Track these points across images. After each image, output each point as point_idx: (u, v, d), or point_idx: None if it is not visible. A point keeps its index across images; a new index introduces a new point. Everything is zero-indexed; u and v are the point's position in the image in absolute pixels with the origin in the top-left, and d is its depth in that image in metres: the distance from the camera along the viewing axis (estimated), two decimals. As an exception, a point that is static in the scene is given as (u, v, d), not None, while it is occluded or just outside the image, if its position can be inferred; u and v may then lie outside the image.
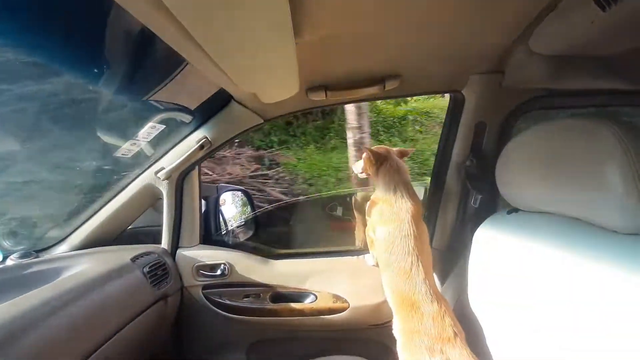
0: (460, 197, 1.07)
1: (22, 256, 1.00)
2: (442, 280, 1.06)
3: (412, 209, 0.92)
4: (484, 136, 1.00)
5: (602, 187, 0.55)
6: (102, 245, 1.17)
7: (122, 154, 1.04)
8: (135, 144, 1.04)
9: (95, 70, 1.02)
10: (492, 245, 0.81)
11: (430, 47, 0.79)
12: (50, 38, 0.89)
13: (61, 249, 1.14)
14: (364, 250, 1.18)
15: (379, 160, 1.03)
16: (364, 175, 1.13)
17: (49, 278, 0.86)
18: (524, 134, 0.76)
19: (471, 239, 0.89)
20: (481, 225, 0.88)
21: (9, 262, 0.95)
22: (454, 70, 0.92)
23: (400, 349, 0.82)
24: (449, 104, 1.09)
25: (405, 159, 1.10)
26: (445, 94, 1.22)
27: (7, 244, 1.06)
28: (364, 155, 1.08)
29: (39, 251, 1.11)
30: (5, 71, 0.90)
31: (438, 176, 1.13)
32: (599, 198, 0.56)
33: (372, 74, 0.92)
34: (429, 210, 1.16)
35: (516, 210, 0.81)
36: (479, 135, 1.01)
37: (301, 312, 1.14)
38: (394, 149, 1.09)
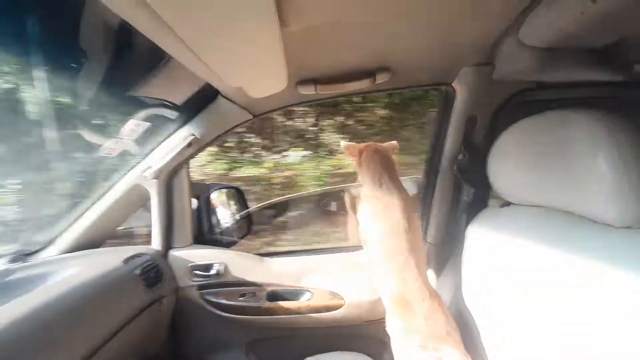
0: (453, 192, 1.07)
1: (10, 261, 0.98)
2: (437, 275, 1.06)
3: (402, 203, 0.89)
4: (476, 129, 1.00)
5: (593, 179, 0.55)
6: (92, 248, 1.14)
7: (107, 153, 1.01)
8: (118, 142, 1.01)
9: (74, 66, 0.98)
10: (484, 239, 0.81)
11: (421, 38, 0.77)
12: (27, 33, 0.86)
13: (49, 252, 1.11)
14: (358, 246, 1.18)
15: (360, 154, 1.01)
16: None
17: (37, 283, 0.84)
18: (515, 127, 0.76)
19: (465, 233, 0.89)
20: (474, 220, 0.88)
21: (-5, 267, 0.93)
22: (445, 62, 0.91)
23: (394, 346, 0.82)
24: (440, 98, 1.08)
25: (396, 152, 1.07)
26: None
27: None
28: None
29: (28, 255, 1.08)
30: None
31: (430, 171, 1.12)
32: (591, 191, 0.56)
33: (363, 66, 0.90)
34: (422, 205, 1.16)
35: (508, 203, 0.81)
36: (470, 129, 1.00)
37: (298, 310, 1.14)
38: (384, 144, 1.07)
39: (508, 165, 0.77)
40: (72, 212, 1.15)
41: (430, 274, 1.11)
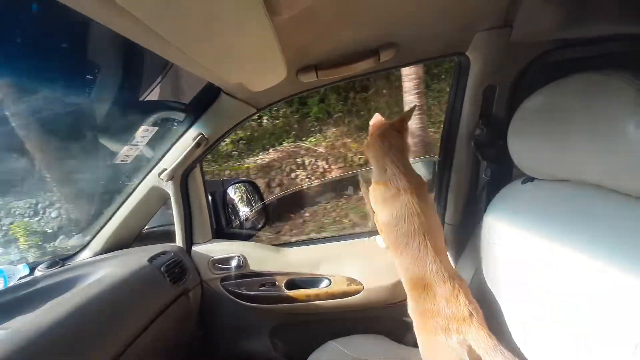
0: (471, 170, 1.01)
1: (49, 266, 1.06)
2: (457, 256, 1.03)
3: (410, 186, 0.85)
4: (494, 101, 0.92)
5: (626, 148, 0.49)
6: (122, 248, 1.22)
7: (122, 160, 1.05)
8: (132, 149, 1.04)
9: (88, 77, 1.01)
10: (506, 217, 0.77)
11: (427, 6, 0.70)
12: (35, 55, 0.88)
13: (84, 255, 1.20)
14: (374, 231, 1.16)
15: (369, 136, 0.96)
16: None
17: (74, 285, 0.91)
18: (536, 94, 0.69)
19: (484, 213, 0.85)
20: (494, 198, 0.83)
21: (37, 273, 1.01)
22: (456, 29, 0.83)
23: (417, 330, 0.82)
24: (454, 69, 1.00)
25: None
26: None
27: (32, 256, 1.13)
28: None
29: (65, 259, 1.17)
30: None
31: (446, 148, 1.06)
32: (622, 161, 0.50)
33: (364, 45, 0.84)
34: (439, 185, 1.11)
35: (531, 179, 0.75)
36: (488, 100, 0.92)
37: (317, 297, 1.16)
38: (395, 119, 0.98)
39: (530, 137, 0.71)
40: (101, 217, 1.22)
41: (449, 255, 1.07)
